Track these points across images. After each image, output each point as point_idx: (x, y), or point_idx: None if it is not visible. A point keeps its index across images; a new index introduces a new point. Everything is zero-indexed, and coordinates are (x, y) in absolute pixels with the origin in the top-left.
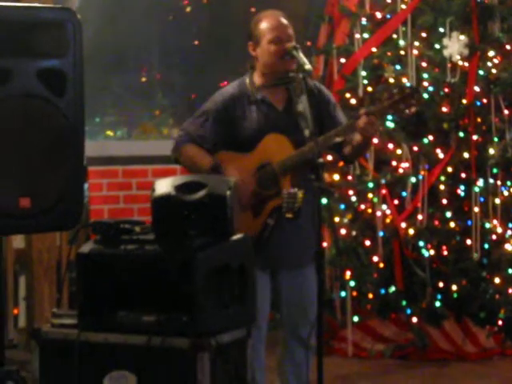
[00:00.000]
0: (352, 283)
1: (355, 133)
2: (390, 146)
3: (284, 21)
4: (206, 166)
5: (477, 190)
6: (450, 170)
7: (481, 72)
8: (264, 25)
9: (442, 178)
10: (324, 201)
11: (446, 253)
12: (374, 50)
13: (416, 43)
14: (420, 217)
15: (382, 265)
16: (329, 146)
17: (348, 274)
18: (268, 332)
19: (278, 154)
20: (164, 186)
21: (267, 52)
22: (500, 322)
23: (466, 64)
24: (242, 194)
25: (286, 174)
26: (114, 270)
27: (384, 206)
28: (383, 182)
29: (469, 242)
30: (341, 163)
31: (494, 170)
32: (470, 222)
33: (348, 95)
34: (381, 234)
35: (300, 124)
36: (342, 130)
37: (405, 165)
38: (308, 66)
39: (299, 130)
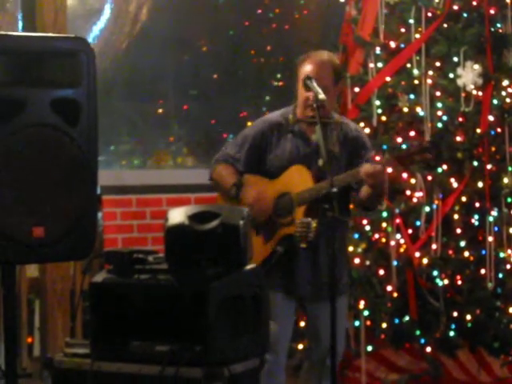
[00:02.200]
0: (366, 313)
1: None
2: (404, 175)
3: (323, 68)
4: (229, 183)
5: (491, 219)
6: (464, 199)
7: (495, 101)
8: (304, 67)
9: (456, 208)
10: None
11: (460, 282)
12: (387, 79)
13: (430, 72)
14: (434, 246)
15: (395, 294)
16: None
17: (362, 303)
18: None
19: (298, 186)
20: (177, 216)
21: (300, 94)
22: None
23: (480, 93)
24: (259, 215)
25: (301, 205)
26: (128, 299)
27: (398, 236)
28: (397, 211)
29: (483, 271)
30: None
31: (509, 200)
32: (484, 252)
33: (362, 124)
34: (395, 263)
35: (331, 161)
36: (350, 176)
37: (419, 194)
38: (322, 96)
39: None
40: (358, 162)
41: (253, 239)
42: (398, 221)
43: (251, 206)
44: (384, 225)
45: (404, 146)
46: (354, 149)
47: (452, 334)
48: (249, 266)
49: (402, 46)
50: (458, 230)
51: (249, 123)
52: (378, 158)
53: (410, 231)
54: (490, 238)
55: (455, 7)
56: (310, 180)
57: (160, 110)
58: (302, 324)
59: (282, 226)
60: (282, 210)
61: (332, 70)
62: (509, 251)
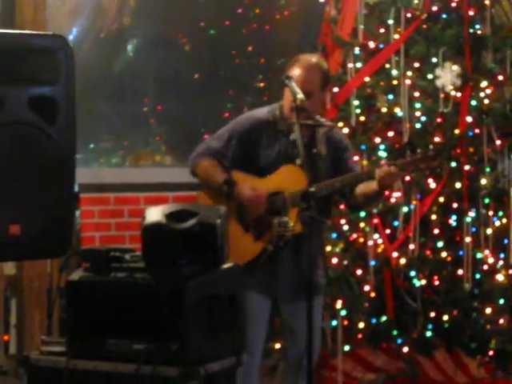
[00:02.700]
0: (343, 312)
1: (373, 182)
2: None
3: (311, 73)
4: (219, 179)
5: (468, 220)
6: (441, 200)
7: (473, 102)
8: (293, 71)
9: (434, 208)
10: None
11: (437, 283)
12: (366, 79)
13: (409, 73)
14: (412, 246)
15: (373, 294)
16: (342, 188)
17: (339, 303)
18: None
19: (292, 186)
20: (154, 214)
21: (285, 97)
22: (491, 352)
23: (459, 94)
24: (253, 213)
25: (295, 206)
26: (104, 297)
27: (376, 236)
28: (375, 211)
29: (460, 272)
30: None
31: (486, 201)
32: (461, 252)
33: (341, 124)
34: (372, 263)
35: (317, 162)
36: (361, 174)
37: (397, 194)
38: (300, 96)
39: (317, 168)
40: (341, 164)
41: (241, 237)
42: (375, 221)
43: (246, 203)
44: (362, 225)
45: (382, 147)
46: (337, 152)
47: (429, 334)
48: (226, 265)
49: (381, 46)
50: (436, 231)
51: None
52: (383, 162)
53: (387, 231)
54: (468, 239)
55: (434, 8)
56: (305, 181)
57: (139, 109)
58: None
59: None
60: (274, 209)
61: (320, 75)
62: (486, 252)
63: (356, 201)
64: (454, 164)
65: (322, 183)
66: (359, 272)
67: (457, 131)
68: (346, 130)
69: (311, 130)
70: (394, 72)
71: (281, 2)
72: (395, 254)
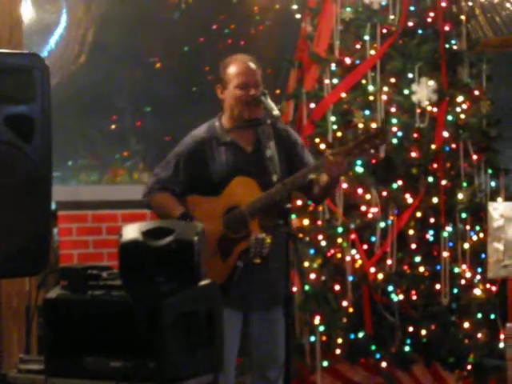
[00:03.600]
0: (321, 328)
1: (323, 174)
2: (360, 190)
3: (252, 66)
4: (176, 213)
5: (446, 234)
6: (419, 214)
7: (449, 117)
8: (232, 69)
9: (411, 223)
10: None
11: (415, 297)
12: (343, 95)
13: (385, 88)
14: (389, 261)
15: (351, 309)
16: (297, 188)
17: (317, 318)
18: (236, 378)
19: (246, 197)
20: (131, 232)
21: (233, 97)
22: (469, 367)
23: (435, 109)
24: (209, 240)
25: (254, 216)
26: (81, 315)
27: (353, 251)
28: (352, 226)
29: (438, 286)
30: (310, 208)
31: (463, 215)
32: (439, 267)
33: (317, 140)
34: (350, 278)
35: (268, 167)
36: (309, 171)
37: (374, 210)
38: (276, 112)
39: (267, 173)
40: (297, 160)
41: (210, 261)
42: (353, 236)
43: None
44: (339, 240)
45: (359, 162)
46: (289, 148)
47: (407, 348)
48: (203, 282)
49: (358, 62)
50: (413, 246)
51: None
52: (328, 152)
53: (365, 247)
54: (445, 254)
55: (410, 24)
56: (258, 189)
57: (115, 126)
58: None
59: (238, 240)
60: (234, 224)
61: (258, 66)
62: (463, 266)
63: (314, 194)
64: (431, 179)
65: (277, 187)
66: (337, 287)
67: (433, 146)
68: (322, 146)
69: (254, 132)
70: (371, 88)
71: (256, 17)
72: (373, 270)
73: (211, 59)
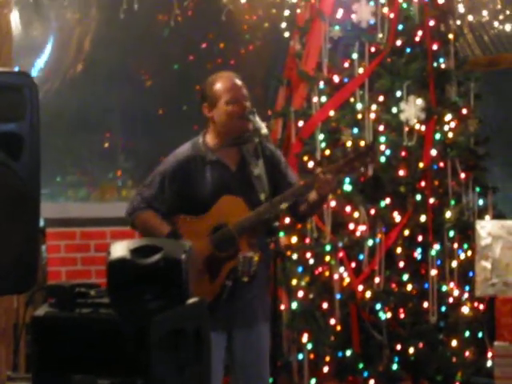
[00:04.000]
0: (309, 346)
1: (311, 191)
2: (348, 208)
3: (238, 81)
4: (163, 232)
5: (433, 253)
6: (406, 233)
7: (437, 136)
8: (219, 86)
9: (399, 241)
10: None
11: (402, 316)
12: (331, 113)
13: (373, 107)
14: (377, 280)
15: (339, 327)
16: (286, 206)
17: (305, 336)
18: None
19: (234, 216)
20: (119, 250)
21: (225, 113)
22: None
23: (423, 128)
24: (197, 260)
25: (242, 234)
26: (69, 333)
27: (341, 269)
28: (340, 244)
29: (426, 304)
30: (298, 225)
31: (451, 233)
32: (426, 285)
33: (306, 158)
34: (338, 296)
35: (255, 185)
36: (299, 189)
37: (362, 228)
38: (264, 131)
39: (254, 191)
40: (280, 178)
41: (198, 281)
42: (341, 254)
43: None
44: (327, 258)
45: (347, 180)
46: (273, 166)
47: (395, 366)
48: (191, 300)
49: (346, 80)
50: (401, 264)
51: None
52: (319, 170)
53: (353, 264)
54: (433, 272)
55: (398, 42)
56: (245, 208)
57: (105, 143)
58: None
59: (226, 259)
60: (222, 243)
61: (243, 84)
62: (451, 285)
63: (300, 211)
64: (418, 197)
65: (266, 206)
66: (325, 305)
67: (421, 164)
68: (311, 164)
69: (239, 151)
70: (359, 106)
71: (245, 36)
72: (361, 288)
73: (201, 78)
